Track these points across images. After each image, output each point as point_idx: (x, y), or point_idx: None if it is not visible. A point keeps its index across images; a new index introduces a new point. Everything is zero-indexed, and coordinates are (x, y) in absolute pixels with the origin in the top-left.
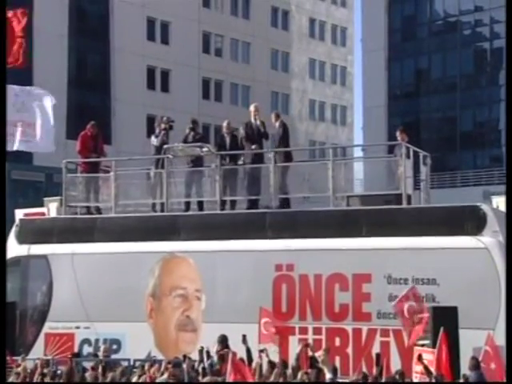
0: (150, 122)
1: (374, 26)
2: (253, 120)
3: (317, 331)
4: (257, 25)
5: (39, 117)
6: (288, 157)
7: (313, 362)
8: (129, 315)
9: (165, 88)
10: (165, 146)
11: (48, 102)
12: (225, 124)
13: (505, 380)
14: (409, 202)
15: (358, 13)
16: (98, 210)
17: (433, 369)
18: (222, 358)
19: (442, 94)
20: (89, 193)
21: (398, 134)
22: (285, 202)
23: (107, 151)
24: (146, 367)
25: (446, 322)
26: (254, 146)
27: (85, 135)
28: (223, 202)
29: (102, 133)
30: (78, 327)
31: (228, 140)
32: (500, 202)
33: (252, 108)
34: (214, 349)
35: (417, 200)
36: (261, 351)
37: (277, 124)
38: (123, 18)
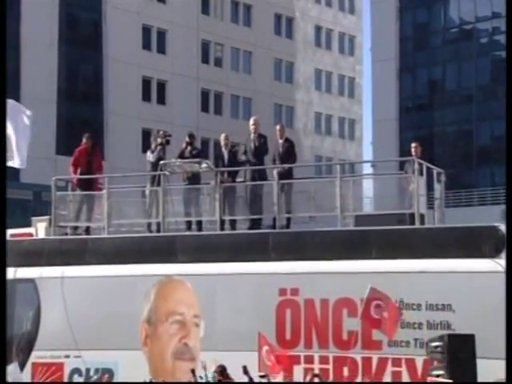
0: (146, 136)
1: (384, 34)
2: (252, 134)
3: (323, 360)
4: (259, 33)
5: (13, 132)
6: (290, 174)
7: None
8: (122, 343)
9: (161, 100)
10: (161, 162)
11: (21, 115)
12: (222, 137)
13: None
14: (422, 222)
15: (367, 20)
16: (87, 231)
17: None
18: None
19: (457, 106)
20: (80, 212)
21: (412, 146)
22: (288, 222)
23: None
24: None
25: (462, 350)
26: (243, 157)
27: (81, 150)
28: (223, 222)
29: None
30: (67, 356)
31: (226, 155)
32: None
33: (251, 121)
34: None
35: (430, 220)
36: (262, 377)
37: (280, 141)
38: (117, 25)
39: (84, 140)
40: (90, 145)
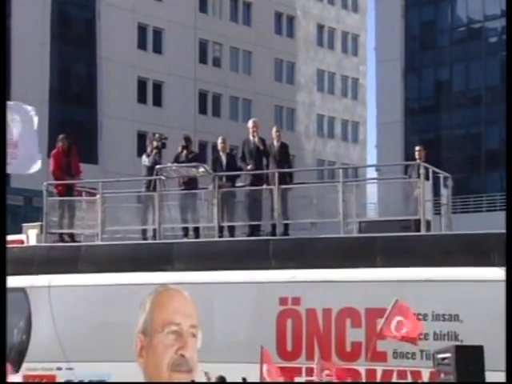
0: (141, 139)
1: (388, 34)
2: (251, 137)
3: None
4: (259, 32)
5: (18, 132)
6: (287, 178)
7: None
8: (116, 354)
9: (157, 102)
10: (157, 167)
11: (27, 114)
12: (219, 141)
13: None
14: (428, 229)
15: (372, 18)
16: (72, 237)
17: None
18: None
19: (465, 108)
20: (63, 218)
21: (416, 150)
22: (285, 229)
23: (93, 171)
24: None
25: (470, 363)
26: (249, 167)
27: (55, 154)
28: (221, 228)
29: (75, 147)
30: (59, 368)
31: (224, 159)
32: None
33: (250, 124)
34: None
35: (437, 226)
36: None
37: (276, 144)
38: (111, 24)
39: (59, 141)
40: (66, 146)
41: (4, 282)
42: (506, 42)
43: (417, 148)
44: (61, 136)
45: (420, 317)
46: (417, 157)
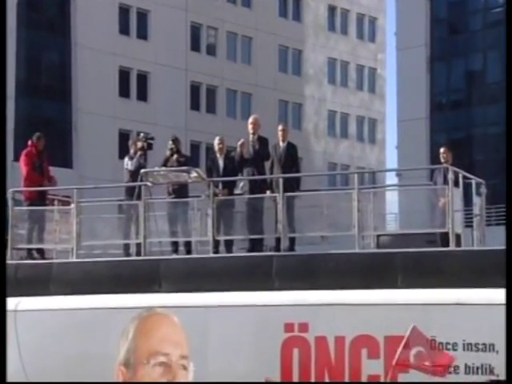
0: (123, 139)
1: (411, 16)
2: (251, 136)
3: None
4: (261, 14)
5: None
6: (293, 184)
7: None
8: None
9: (142, 96)
10: (142, 171)
11: None
12: (216, 141)
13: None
14: (458, 244)
15: None
16: (43, 254)
17: None
18: None
19: (501, 102)
20: (32, 231)
21: (441, 152)
22: (291, 243)
23: (67, 176)
24: None
25: None
26: (247, 170)
27: (30, 153)
28: (217, 243)
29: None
30: None
31: (221, 162)
32: None
33: (250, 121)
34: None
35: (468, 241)
36: None
37: (282, 144)
38: (88, 5)
39: (34, 140)
40: (42, 147)
41: (4, 289)
42: (506, 43)
43: (442, 150)
44: (37, 134)
45: (449, 346)
46: (442, 160)
